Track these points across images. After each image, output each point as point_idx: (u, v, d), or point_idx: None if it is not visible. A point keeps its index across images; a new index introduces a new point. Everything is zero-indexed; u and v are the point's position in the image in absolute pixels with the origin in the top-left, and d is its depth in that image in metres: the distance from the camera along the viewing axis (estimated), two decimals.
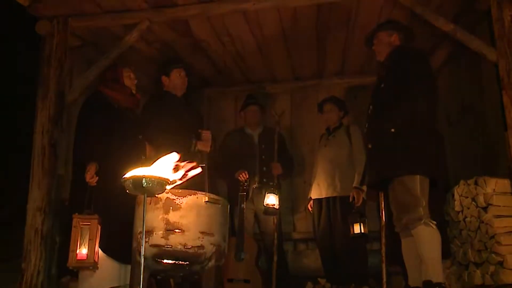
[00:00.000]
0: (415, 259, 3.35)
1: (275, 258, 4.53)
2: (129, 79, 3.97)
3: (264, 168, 4.97)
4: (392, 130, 3.36)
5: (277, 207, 4.47)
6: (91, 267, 3.28)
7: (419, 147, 3.33)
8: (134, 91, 3.98)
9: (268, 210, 4.47)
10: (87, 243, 3.25)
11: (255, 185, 4.92)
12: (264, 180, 4.92)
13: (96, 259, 3.31)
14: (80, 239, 3.25)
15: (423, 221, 3.23)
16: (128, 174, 2.16)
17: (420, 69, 3.46)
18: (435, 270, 3.17)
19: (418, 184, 3.27)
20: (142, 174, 2.15)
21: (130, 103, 3.92)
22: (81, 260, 3.24)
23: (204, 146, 4.15)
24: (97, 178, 3.48)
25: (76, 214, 3.33)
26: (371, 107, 3.62)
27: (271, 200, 4.45)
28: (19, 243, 3.85)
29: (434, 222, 3.26)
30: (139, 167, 2.19)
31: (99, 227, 3.31)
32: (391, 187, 3.45)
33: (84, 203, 3.39)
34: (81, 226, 3.27)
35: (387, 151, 3.38)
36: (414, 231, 3.27)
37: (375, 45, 3.76)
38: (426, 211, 3.26)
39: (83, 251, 3.24)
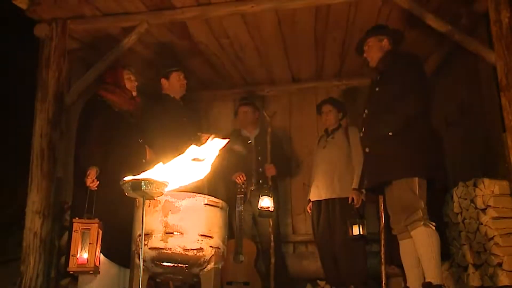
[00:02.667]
0: (414, 260, 3.36)
1: (273, 260, 4.53)
2: (130, 81, 3.96)
3: (260, 169, 4.98)
4: (390, 133, 3.37)
5: (272, 210, 4.46)
6: (91, 272, 3.27)
7: (417, 149, 3.34)
8: (134, 94, 3.97)
9: (263, 213, 4.46)
10: (88, 248, 3.24)
11: (252, 187, 4.93)
12: (260, 181, 4.93)
13: (98, 264, 3.30)
14: (81, 243, 3.24)
15: (422, 222, 3.24)
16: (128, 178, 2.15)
17: (412, 73, 3.48)
18: (435, 272, 3.18)
19: (416, 186, 3.28)
20: (140, 177, 2.15)
21: (130, 107, 3.91)
22: (82, 265, 3.23)
23: None
24: (98, 182, 3.48)
25: (77, 218, 3.32)
26: (366, 111, 3.64)
27: (266, 202, 4.45)
28: (18, 246, 3.85)
29: (433, 224, 3.27)
30: (141, 170, 2.18)
31: (100, 232, 3.30)
32: (388, 189, 3.46)
33: (85, 207, 3.39)
34: (82, 231, 3.26)
35: (385, 154, 3.39)
36: (413, 233, 3.28)
37: (365, 51, 3.78)
38: (425, 213, 3.27)
39: (83, 255, 3.23)
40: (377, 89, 3.60)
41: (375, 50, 3.70)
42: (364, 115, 3.66)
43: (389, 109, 3.42)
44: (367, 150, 3.58)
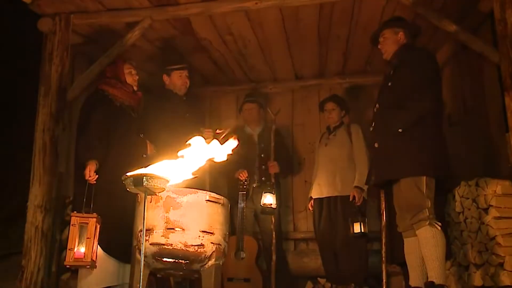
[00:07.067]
0: (417, 259, 3.35)
1: (274, 257, 4.53)
2: (130, 75, 3.96)
3: (263, 167, 4.97)
4: (400, 130, 3.34)
5: (274, 207, 4.46)
6: (88, 266, 3.28)
7: (427, 148, 3.31)
8: (135, 88, 3.97)
9: (265, 210, 4.47)
10: (85, 242, 3.24)
11: (254, 184, 4.93)
12: (263, 178, 4.92)
13: (94, 258, 3.30)
14: (78, 237, 3.25)
15: (428, 222, 3.22)
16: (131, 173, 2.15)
17: (428, 69, 3.43)
18: (438, 272, 3.16)
19: (424, 185, 3.26)
20: (142, 172, 2.14)
21: (132, 101, 3.92)
22: (79, 259, 3.24)
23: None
24: (97, 176, 3.48)
25: (75, 212, 3.33)
26: (377, 105, 3.59)
27: (268, 199, 4.45)
28: (20, 240, 3.86)
29: (439, 224, 3.25)
30: (141, 165, 2.18)
31: (98, 226, 3.31)
32: (396, 186, 3.43)
33: (84, 201, 3.39)
34: (79, 225, 3.26)
35: (394, 151, 3.36)
36: (419, 232, 3.26)
37: (381, 43, 3.71)
38: (431, 212, 3.25)
39: (81, 249, 3.23)
40: (389, 84, 3.54)
41: (390, 43, 3.64)
42: (375, 110, 3.62)
43: (401, 106, 3.37)
44: (376, 145, 3.53)
